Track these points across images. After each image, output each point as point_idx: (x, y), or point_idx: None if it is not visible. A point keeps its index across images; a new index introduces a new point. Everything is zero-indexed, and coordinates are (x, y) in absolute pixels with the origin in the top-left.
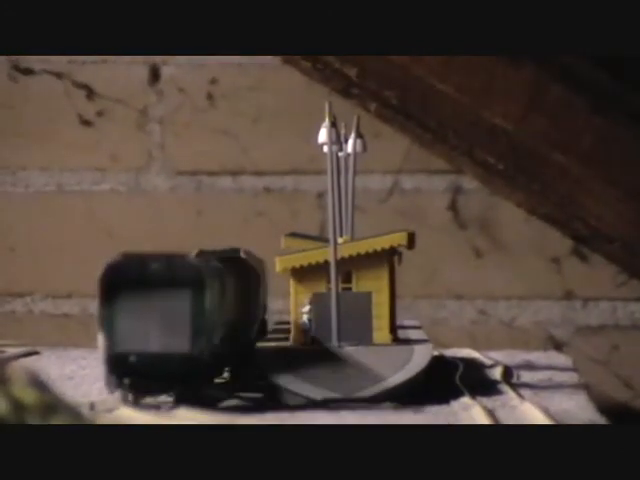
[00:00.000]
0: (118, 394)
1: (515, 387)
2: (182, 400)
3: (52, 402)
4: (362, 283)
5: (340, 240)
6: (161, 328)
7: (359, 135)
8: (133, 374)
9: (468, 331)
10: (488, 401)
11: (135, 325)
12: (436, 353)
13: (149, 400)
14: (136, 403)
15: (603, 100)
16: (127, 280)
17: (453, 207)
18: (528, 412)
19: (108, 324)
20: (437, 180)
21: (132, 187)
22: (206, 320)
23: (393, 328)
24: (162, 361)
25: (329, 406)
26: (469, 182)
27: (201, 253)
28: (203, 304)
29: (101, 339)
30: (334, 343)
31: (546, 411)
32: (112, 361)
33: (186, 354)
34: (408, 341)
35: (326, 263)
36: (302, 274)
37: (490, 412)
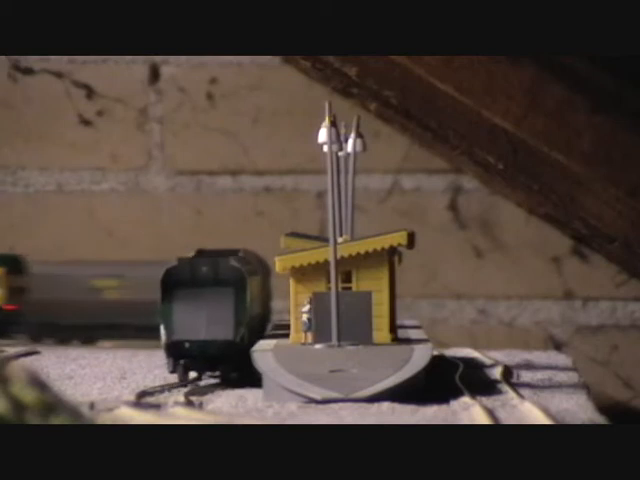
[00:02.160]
0: (175, 373)
1: (515, 387)
2: (226, 377)
3: (52, 401)
4: (362, 283)
5: (340, 240)
6: (209, 319)
7: (359, 135)
8: (187, 357)
9: (468, 331)
10: (488, 400)
11: (188, 318)
12: (436, 353)
13: (151, 399)
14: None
15: (603, 100)
16: (181, 282)
17: (453, 207)
18: (528, 411)
19: (167, 318)
20: (437, 180)
21: (132, 187)
22: (245, 313)
23: (393, 328)
24: (210, 346)
25: (329, 406)
26: (469, 182)
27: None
28: (243, 300)
29: (162, 329)
30: (334, 343)
31: (546, 410)
32: (170, 347)
33: (230, 340)
34: (408, 341)
35: (326, 263)
36: (302, 274)
37: (490, 412)
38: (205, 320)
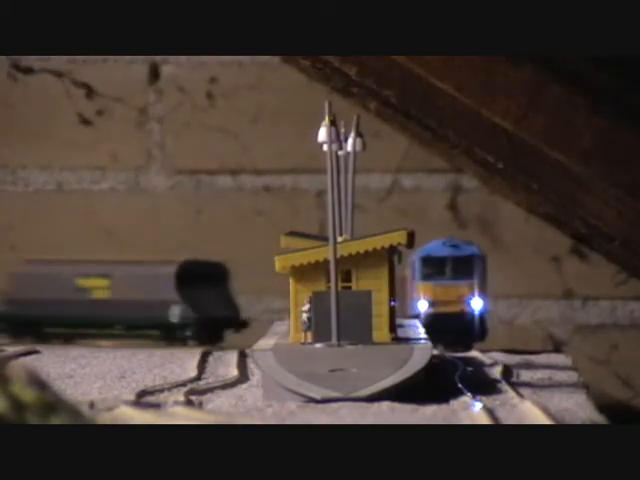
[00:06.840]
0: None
1: (515, 386)
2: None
3: (52, 401)
4: (362, 282)
5: (340, 239)
6: (219, 303)
7: (359, 134)
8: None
9: None
10: (488, 400)
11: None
12: (436, 352)
13: (150, 398)
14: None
15: (603, 100)
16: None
17: (453, 206)
18: (528, 411)
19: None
20: (437, 179)
21: (132, 186)
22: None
23: (393, 327)
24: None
25: (328, 405)
26: (469, 181)
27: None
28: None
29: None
30: (334, 342)
31: (546, 410)
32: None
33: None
34: (408, 340)
35: (326, 262)
36: (302, 273)
37: (490, 411)
38: (217, 304)
